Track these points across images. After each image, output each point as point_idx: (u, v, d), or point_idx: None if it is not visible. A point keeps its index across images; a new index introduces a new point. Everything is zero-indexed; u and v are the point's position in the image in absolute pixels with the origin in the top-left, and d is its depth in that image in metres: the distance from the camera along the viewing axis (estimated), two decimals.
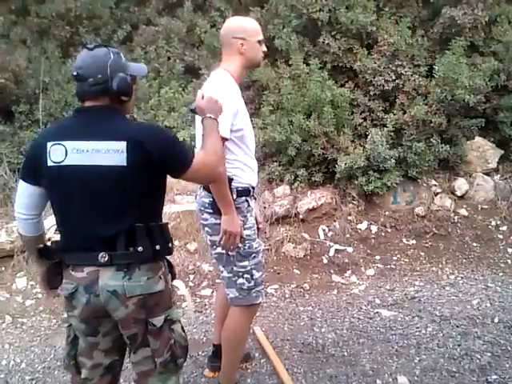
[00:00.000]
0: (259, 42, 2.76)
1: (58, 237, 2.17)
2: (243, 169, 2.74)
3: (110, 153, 1.95)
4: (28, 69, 6.20)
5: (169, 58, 6.36)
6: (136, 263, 2.03)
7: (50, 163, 1.99)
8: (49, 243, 2.22)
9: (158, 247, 2.05)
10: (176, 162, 2.05)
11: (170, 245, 2.15)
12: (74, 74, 2.05)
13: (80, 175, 1.97)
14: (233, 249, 2.68)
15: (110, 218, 2.01)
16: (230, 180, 2.61)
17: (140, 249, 2.01)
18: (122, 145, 1.95)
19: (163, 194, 2.20)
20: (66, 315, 2.19)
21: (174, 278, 2.24)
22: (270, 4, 6.20)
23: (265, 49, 2.83)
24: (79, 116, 2.08)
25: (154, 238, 2.04)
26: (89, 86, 2.01)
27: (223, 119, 2.46)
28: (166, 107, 5.79)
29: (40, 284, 2.36)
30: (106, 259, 2.00)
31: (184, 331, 2.25)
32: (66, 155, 1.98)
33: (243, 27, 2.75)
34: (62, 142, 1.99)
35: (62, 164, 1.98)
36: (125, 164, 1.95)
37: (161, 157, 1.99)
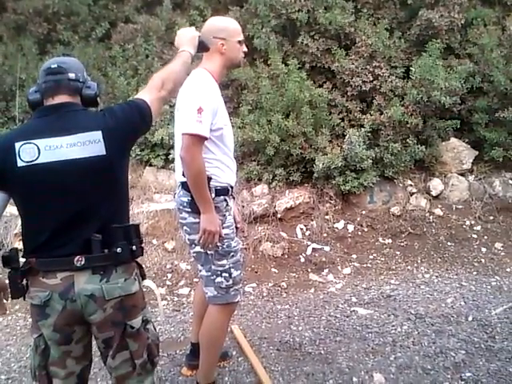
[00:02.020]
0: (240, 42, 2.78)
1: (21, 243, 2.09)
2: (222, 168, 2.75)
3: (87, 144, 1.94)
4: (4, 65, 6.14)
5: (147, 56, 6.33)
6: (112, 265, 2.01)
7: (20, 164, 1.92)
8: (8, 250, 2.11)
9: (134, 248, 2.04)
10: (144, 120, 2.11)
11: (143, 245, 2.16)
12: (54, 66, 2.04)
13: (55, 172, 1.93)
14: (211, 247, 2.69)
15: (85, 218, 1.98)
16: (209, 179, 2.63)
17: (119, 250, 1.99)
18: (97, 134, 1.96)
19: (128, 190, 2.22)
20: (33, 325, 2.09)
21: (143, 278, 2.22)
22: (249, 4, 6.21)
23: (245, 49, 2.85)
24: (48, 113, 2.02)
25: (130, 239, 2.03)
26: (68, 79, 2.03)
27: (203, 118, 2.48)
28: None
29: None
30: (83, 263, 1.95)
31: (155, 329, 2.25)
32: (39, 153, 1.92)
33: (224, 27, 2.77)
34: (33, 141, 1.93)
35: (34, 163, 1.92)
36: (104, 153, 1.96)
37: (132, 127, 2.08)
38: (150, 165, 5.75)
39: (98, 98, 2.14)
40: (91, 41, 6.58)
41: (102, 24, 6.71)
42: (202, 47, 2.43)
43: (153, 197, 5.43)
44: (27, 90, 2.16)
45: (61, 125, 1.96)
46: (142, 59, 6.30)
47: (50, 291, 1.97)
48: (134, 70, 6.27)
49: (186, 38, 2.36)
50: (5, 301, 2.12)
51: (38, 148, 1.93)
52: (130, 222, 2.15)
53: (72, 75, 2.04)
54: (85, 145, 1.94)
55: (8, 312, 4.28)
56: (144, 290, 2.21)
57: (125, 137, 2.05)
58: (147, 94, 2.14)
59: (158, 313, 3.89)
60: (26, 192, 1.98)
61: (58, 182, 1.94)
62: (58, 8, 6.58)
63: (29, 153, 1.92)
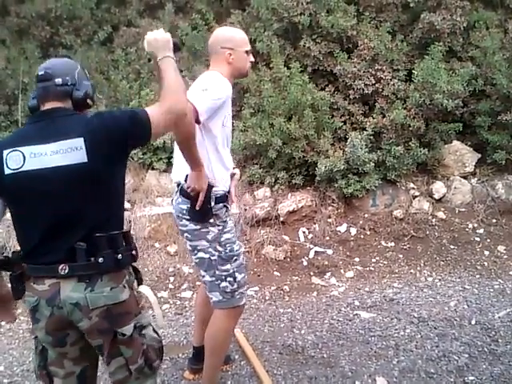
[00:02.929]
0: (247, 52, 2.81)
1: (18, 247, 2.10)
2: (221, 175, 2.76)
3: (69, 151, 1.91)
4: (7, 69, 6.16)
5: (149, 60, 6.32)
6: (98, 274, 1.98)
7: (7, 171, 1.93)
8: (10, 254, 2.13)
9: (119, 257, 2.00)
10: (137, 128, 1.99)
11: (134, 252, 2.11)
12: (41, 73, 2.03)
13: (39, 180, 1.92)
14: (199, 205, 2.64)
15: (70, 227, 1.96)
16: (211, 187, 2.64)
17: (100, 260, 1.96)
18: (79, 141, 1.91)
19: (122, 197, 2.16)
20: (32, 327, 2.13)
21: (140, 283, 2.19)
22: (252, 7, 6.22)
23: (252, 59, 2.88)
24: (39, 119, 2.03)
25: (115, 248, 2.00)
26: (56, 85, 2.01)
27: (207, 95, 2.53)
28: None
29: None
30: (67, 271, 1.94)
31: (157, 332, 2.22)
32: (24, 161, 1.92)
33: (231, 37, 2.79)
34: (19, 148, 1.93)
35: (20, 170, 1.92)
36: (86, 160, 1.92)
37: (120, 134, 1.96)
38: (153, 168, 5.75)
39: (90, 100, 2.09)
40: (93, 44, 6.60)
41: (104, 28, 6.73)
42: (176, 49, 2.33)
43: (155, 200, 5.43)
44: (30, 95, 2.16)
45: (48, 131, 1.96)
46: (145, 63, 6.31)
47: (38, 297, 1.99)
48: (136, 73, 6.28)
49: (161, 42, 2.21)
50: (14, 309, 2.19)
51: (24, 155, 1.93)
52: (124, 229, 2.11)
53: (59, 80, 2.01)
54: (66, 152, 1.91)
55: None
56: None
57: (110, 143, 1.95)
58: (153, 107, 2.07)
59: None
60: (14, 199, 2.01)
61: (41, 190, 1.93)
62: (61, 12, 6.60)
63: (15, 160, 1.93)
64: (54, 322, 2.00)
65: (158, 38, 2.21)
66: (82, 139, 1.91)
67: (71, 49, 6.47)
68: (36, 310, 2.00)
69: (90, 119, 2.01)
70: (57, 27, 6.63)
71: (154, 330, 2.21)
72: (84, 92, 2.05)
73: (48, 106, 2.02)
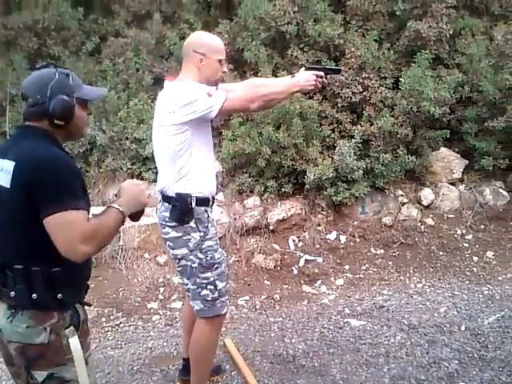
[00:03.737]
0: (220, 61, 2.78)
1: None
2: (201, 179, 2.77)
3: (3, 172, 1.85)
4: None
5: (137, 70, 6.34)
6: (20, 307, 1.85)
7: None
8: None
9: (34, 296, 1.82)
10: (43, 199, 1.78)
11: (60, 296, 1.86)
12: (21, 92, 1.99)
13: None
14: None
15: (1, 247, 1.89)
16: (188, 196, 2.70)
17: (12, 293, 1.83)
18: (10, 165, 1.82)
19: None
20: None
21: (78, 330, 1.95)
22: (239, 17, 6.24)
23: (225, 69, 2.86)
24: (13, 134, 1.99)
25: (31, 285, 1.82)
26: (28, 106, 1.94)
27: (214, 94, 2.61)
28: (135, 119, 5.77)
29: None
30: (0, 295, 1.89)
31: None
32: None
33: (206, 43, 2.78)
34: None
35: None
36: (8, 186, 1.82)
37: (31, 187, 1.78)
38: (142, 178, 5.73)
39: (57, 120, 1.91)
40: (81, 55, 6.58)
41: (92, 38, 6.71)
42: (139, 214, 2.14)
43: (144, 210, 5.41)
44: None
45: (7, 148, 1.92)
46: (133, 73, 6.31)
47: None
48: (124, 83, 6.27)
49: (131, 194, 2.07)
50: None
51: None
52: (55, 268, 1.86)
53: (30, 100, 1.92)
54: (1, 171, 1.86)
55: None
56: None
57: (28, 190, 1.79)
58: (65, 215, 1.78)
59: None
60: None
61: None
62: (48, 23, 6.57)
63: None
64: None
65: (131, 189, 2.09)
66: (13, 164, 1.82)
67: (59, 60, 6.44)
68: None
69: (32, 150, 1.86)
70: (44, 38, 6.61)
71: None
72: (51, 109, 1.89)
73: (26, 123, 1.98)
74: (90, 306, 2.12)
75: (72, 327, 1.91)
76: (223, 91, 2.73)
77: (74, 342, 1.90)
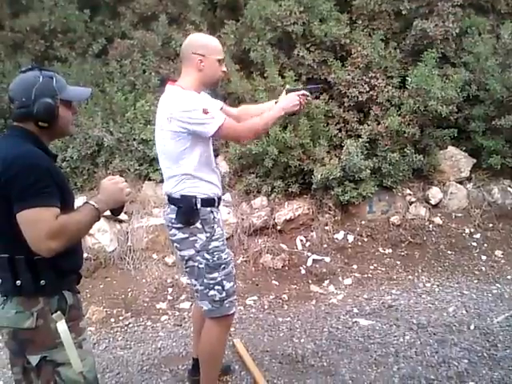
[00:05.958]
0: (219, 61, 2.80)
1: None
2: (203, 182, 2.78)
3: None
4: (2, 83, 6.14)
5: (144, 71, 6.35)
6: (9, 293, 1.98)
7: None
8: None
9: (18, 283, 1.94)
10: (14, 196, 1.87)
11: (43, 282, 1.96)
12: (8, 95, 2.06)
13: None
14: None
15: None
16: (193, 197, 2.72)
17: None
18: None
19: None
20: None
21: (66, 315, 2.03)
22: (245, 17, 6.24)
23: (224, 68, 2.87)
24: (2, 135, 2.07)
25: (16, 273, 1.94)
26: (15, 108, 2.01)
27: (213, 113, 2.66)
28: (142, 120, 5.78)
29: None
30: None
31: (85, 378, 2.06)
32: None
33: (204, 44, 2.80)
34: None
35: None
36: None
37: (5, 184, 1.88)
38: (149, 179, 5.75)
39: (42, 122, 1.99)
40: (88, 57, 6.60)
41: (98, 40, 6.73)
42: (119, 210, 2.17)
43: (152, 211, 5.42)
44: None
45: None
46: (139, 74, 6.32)
47: None
48: (131, 85, 6.29)
49: (109, 192, 2.10)
50: None
51: None
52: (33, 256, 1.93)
53: (16, 103, 2.00)
54: None
55: None
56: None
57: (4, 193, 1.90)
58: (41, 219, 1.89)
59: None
60: None
61: None
62: (55, 25, 6.60)
63: None
64: None
65: (110, 188, 2.11)
66: None
67: (66, 62, 6.48)
68: None
69: (9, 150, 1.95)
70: (51, 40, 6.63)
71: (84, 375, 2.06)
72: (35, 111, 1.97)
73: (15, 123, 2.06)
74: (78, 293, 2.18)
75: (59, 312, 2.00)
76: (223, 114, 2.78)
77: (61, 326, 1.98)
